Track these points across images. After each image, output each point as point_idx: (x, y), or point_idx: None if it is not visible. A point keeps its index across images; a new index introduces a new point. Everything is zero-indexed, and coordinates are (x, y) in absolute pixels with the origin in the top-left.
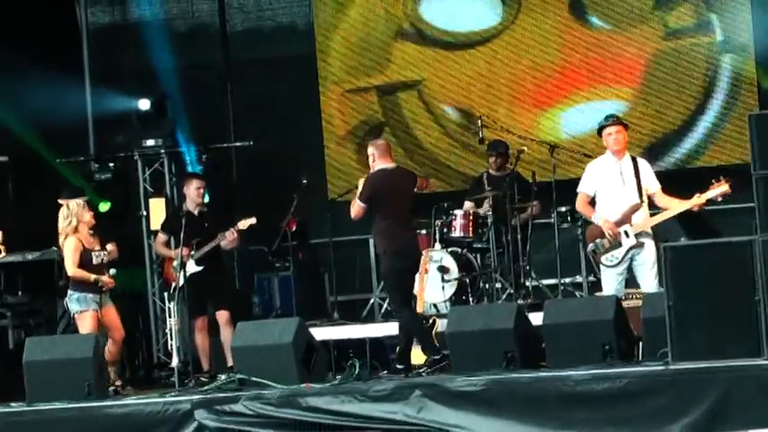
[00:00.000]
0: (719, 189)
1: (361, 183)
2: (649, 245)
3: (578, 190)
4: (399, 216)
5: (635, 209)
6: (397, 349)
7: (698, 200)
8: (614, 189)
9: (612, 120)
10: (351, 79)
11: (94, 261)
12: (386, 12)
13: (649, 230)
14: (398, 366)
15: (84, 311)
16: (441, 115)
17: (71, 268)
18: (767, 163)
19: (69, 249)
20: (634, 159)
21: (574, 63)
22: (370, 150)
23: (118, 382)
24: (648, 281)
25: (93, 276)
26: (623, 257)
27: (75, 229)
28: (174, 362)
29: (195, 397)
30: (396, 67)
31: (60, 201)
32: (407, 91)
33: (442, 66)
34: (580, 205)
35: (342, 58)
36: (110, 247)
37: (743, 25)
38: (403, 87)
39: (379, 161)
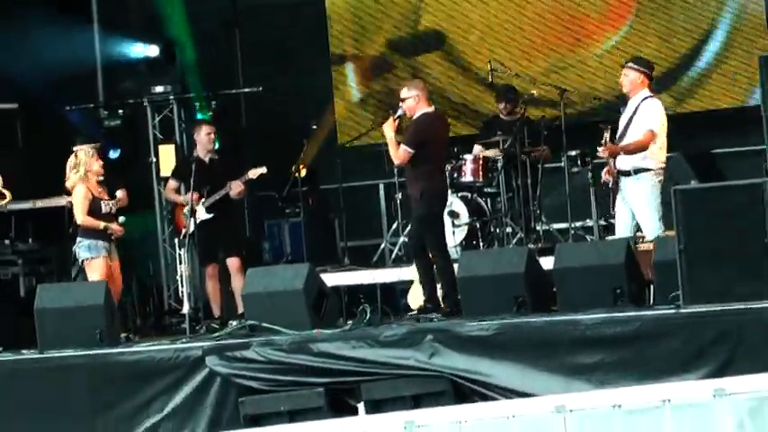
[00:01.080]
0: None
1: (387, 126)
2: (632, 188)
3: None
4: (440, 160)
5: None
6: (441, 293)
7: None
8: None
9: (627, 63)
10: (361, 26)
11: (104, 210)
12: None
13: (636, 174)
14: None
15: (94, 258)
16: (457, 59)
17: (80, 216)
18: None
19: (79, 197)
20: (643, 101)
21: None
22: (413, 92)
23: (123, 334)
24: (643, 225)
25: (102, 224)
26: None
27: (84, 178)
28: (185, 308)
29: (206, 343)
30: (410, 19)
31: (75, 148)
32: (432, 52)
33: (460, 13)
34: None
35: (351, 6)
36: (119, 194)
37: None
38: (424, 42)
39: (422, 104)
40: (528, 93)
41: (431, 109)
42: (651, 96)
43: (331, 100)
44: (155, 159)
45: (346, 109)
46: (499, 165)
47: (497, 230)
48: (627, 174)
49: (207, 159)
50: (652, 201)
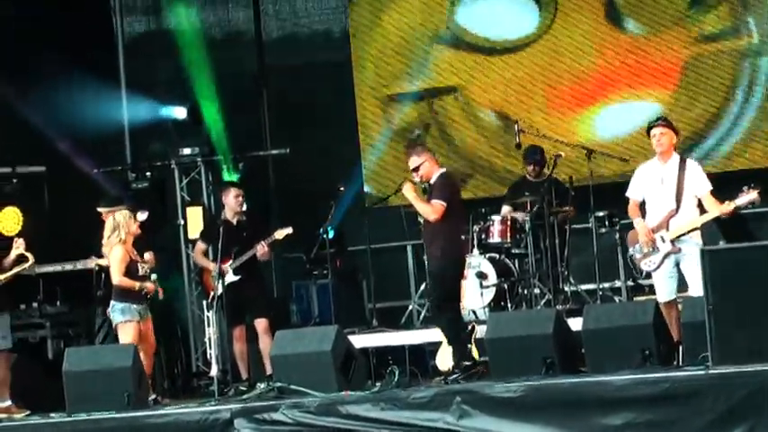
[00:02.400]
0: (748, 197)
1: (407, 190)
2: (691, 250)
3: (627, 195)
4: (460, 220)
5: (671, 214)
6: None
7: (726, 207)
8: (655, 193)
9: (659, 121)
10: (387, 86)
11: (140, 272)
12: (423, 18)
13: (692, 235)
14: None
15: (127, 322)
16: (480, 118)
17: (117, 276)
18: None
19: (116, 259)
20: (683, 162)
21: (609, 67)
22: (424, 157)
23: (152, 396)
24: (694, 286)
25: (137, 284)
26: (660, 263)
27: (123, 240)
28: (213, 371)
29: (234, 406)
30: (433, 73)
31: (100, 210)
32: (446, 96)
33: (480, 71)
34: (630, 210)
35: (378, 64)
36: (147, 256)
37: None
38: (441, 92)
39: (435, 166)
40: (555, 153)
41: (444, 169)
42: (686, 156)
43: (359, 161)
44: (182, 222)
45: (373, 169)
46: (527, 226)
47: (525, 291)
48: (682, 235)
49: (235, 221)
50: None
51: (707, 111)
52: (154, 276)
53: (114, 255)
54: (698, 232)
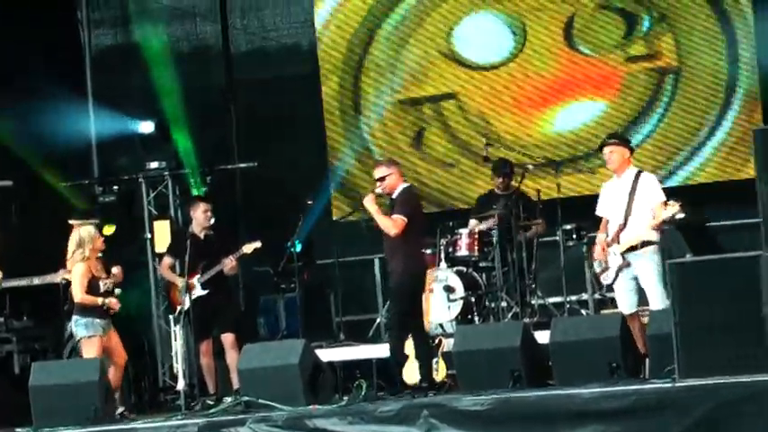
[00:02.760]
0: (672, 210)
1: (368, 202)
2: (642, 263)
3: (596, 213)
4: (421, 236)
5: (620, 228)
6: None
7: (653, 222)
8: (612, 208)
9: (609, 139)
10: (354, 99)
11: (102, 289)
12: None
13: (645, 249)
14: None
15: (91, 337)
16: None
17: (78, 294)
18: None
19: (78, 275)
20: (638, 175)
21: (565, 79)
22: (392, 169)
23: (121, 409)
24: (652, 297)
25: (100, 299)
26: (615, 277)
27: (87, 256)
28: (180, 385)
29: (201, 420)
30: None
31: (72, 222)
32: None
33: (467, 84)
34: (601, 227)
35: (345, 77)
36: (115, 270)
37: (744, 40)
38: (416, 103)
39: (400, 180)
40: (523, 166)
41: (407, 184)
42: (642, 170)
43: (327, 175)
44: (149, 236)
45: (341, 184)
46: (494, 239)
47: (493, 305)
48: (633, 249)
49: (202, 235)
50: (661, 272)
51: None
52: (118, 291)
53: (76, 271)
54: (652, 246)
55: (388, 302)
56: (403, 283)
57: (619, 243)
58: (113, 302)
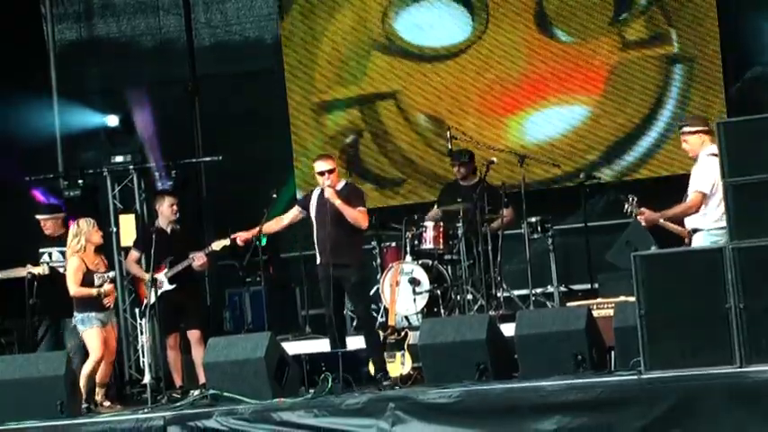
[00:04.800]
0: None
1: (332, 195)
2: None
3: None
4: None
5: None
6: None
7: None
8: None
9: (680, 127)
10: (319, 93)
11: (96, 282)
12: (356, 25)
13: (695, 234)
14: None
15: (88, 329)
16: (415, 124)
17: (72, 288)
18: (737, 170)
19: (72, 270)
20: (698, 160)
21: (540, 74)
22: (335, 163)
23: (107, 403)
24: None
25: (95, 290)
26: None
27: (82, 249)
28: (147, 378)
29: (168, 413)
30: (367, 80)
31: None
32: (380, 102)
33: (414, 78)
34: None
35: (310, 71)
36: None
37: (707, 37)
38: (375, 99)
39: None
40: (488, 159)
41: (345, 180)
42: (709, 155)
43: (291, 168)
44: (115, 229)
45: (306, 177)
46: (459, 232)
47: (458, 297)
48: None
49: (168, 230)
50: None
51: (634, 116)
52: (111, 275)
53: (70, 265)
54: (699, 233)
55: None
56: (364, 277)
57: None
58: (109, 289)
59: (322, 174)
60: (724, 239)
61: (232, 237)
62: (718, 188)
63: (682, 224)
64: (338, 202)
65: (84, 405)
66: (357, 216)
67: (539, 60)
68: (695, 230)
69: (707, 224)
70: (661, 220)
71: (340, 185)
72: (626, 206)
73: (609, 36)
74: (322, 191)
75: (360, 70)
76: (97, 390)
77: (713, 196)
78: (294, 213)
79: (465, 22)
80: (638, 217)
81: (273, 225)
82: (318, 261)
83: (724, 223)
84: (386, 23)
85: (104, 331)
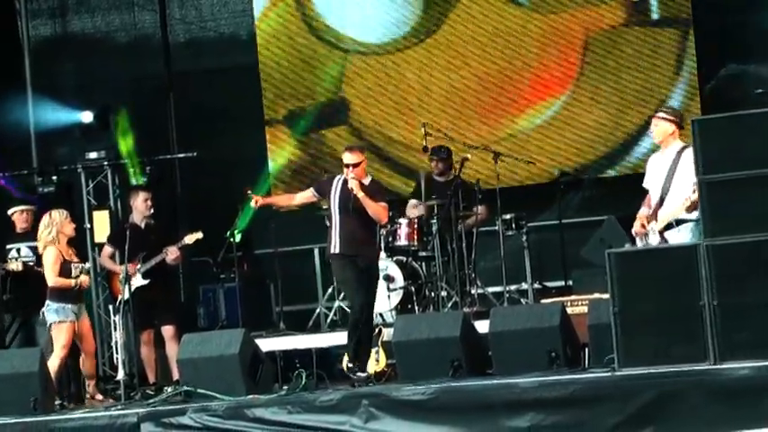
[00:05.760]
0: None
1: (356, 187)
2: (676, 241)
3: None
4: None
5: (658, 205)
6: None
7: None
8: (654, 183)
9: (656, 111)
10: (292, 91)
11: (73, 273)
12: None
13: (678, 226)
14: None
15: (61, 322)
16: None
17: (51, 278)
18: (711, 167)
19: (50, 260)
20: (681, 151)
21: (513, 64)
22: (363, 156)
23: (99, 396)
24: None
25: (73, 281)
26: None
27: (56, 240)
28: (120, 375)
29: (141, 410)
30: (333, 81)
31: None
32: (336, 127)
33: (375, 77)
34: (645, 202)
35: (283, 69)
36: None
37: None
38: (331, 117)
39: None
40: (462, 156)
41: (371, 176)
42: (688, 146)
43: (266, 165)
44: (89, 225)
45: (279, 174)
46: (434, 228)
47: (432, 294)
48: (669, 227)
49: (143, 225)
50: None
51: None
52: (85, 267)
53: (47, 256)
54: (689, 224)
55: (329, 291)
56: (377, 271)
57: (656, 220)
58: (85, 280)
59: (347, 166)
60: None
61: (255, 198)
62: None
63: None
64: (361, 195)
65: (58, 402)
66: (379, 210)
67: (507, 42)
68: (680, 221)
69: (695, 215)
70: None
71: (368, 179)
72: (649, 237)
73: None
74: (345, 180)
75: (323, 71)
76: (88, 383)
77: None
78: (307, 195)
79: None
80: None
81: (284, 200)
82: (334, 250)
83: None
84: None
85: (79, 324)
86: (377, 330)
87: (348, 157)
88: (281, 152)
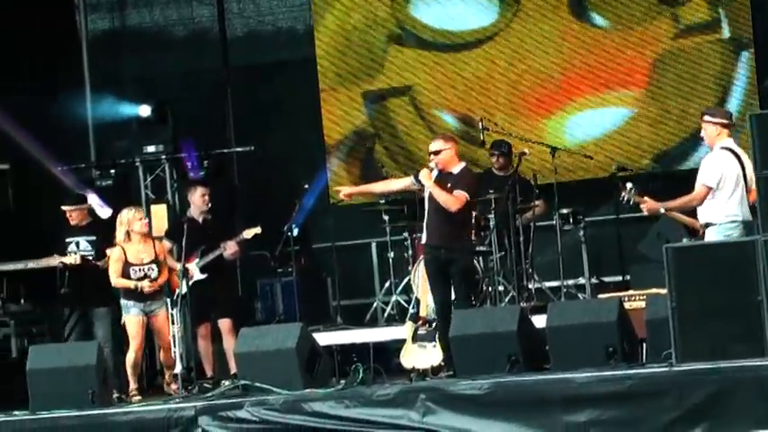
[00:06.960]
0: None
1: (425, 176)
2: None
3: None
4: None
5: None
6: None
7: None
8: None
9: (703, 114)
10: (349, 84)
11: (132, 276)
12: (382, 15)
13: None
14: None
15: (127, 315)
16: (433, 122)
17: (112, 278)
18: None
19: (112, 259)
20: (706, 155)
21: (575, 66)
22: (450, 144)
23: (174, 386)
24: None
25: (132, 283)
26: None
27: (125, 238)
28: (178, 368)
29: (199, 403)
30: (390, 72)
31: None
32: (399, 97)
33: (438, 69)
34: None
35: (341, 62)
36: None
37: (745, 21)
38: (395, 93)
39: (455, 157)
40: (520, 151)
41: (464, 164)
42: (722, 148)
43: (323, 158)
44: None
45: (338, 168)
46: (491, 223)
47: (490, 289)
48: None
49: (200, 220)
50: None
51: (683, 113)
52: (154, 275)
53: (111, 256)
54: (712, 227)
55: (387, 285)
56: (470, 264)
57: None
58: (144, 285)
59: (429, 153)
60: (737, 233)
61: (342, 192)
62: (725, 182)
63: (695, 216)
64: (429, 184)
65: (116, 395)
66: (446, 199)
67: (572, 51)
68: (708, 225)
69: (719, 218)
70: (662, 209)
71: (457, 168)
72: (623, 194)
73: (656, 21)
74: (440, 171)
75: (380, 63)
76: (166, 373)
77: (720, 190)
78: (407, 183)
79: (492, 6)
80: (641, 206)
81: (381, 186)
82: (423, 241)
83: (735, 217)
84: (404, 11)
85: (153, 320)
86: (434, 325)
87: (431, 145)
88: (338, 145)
